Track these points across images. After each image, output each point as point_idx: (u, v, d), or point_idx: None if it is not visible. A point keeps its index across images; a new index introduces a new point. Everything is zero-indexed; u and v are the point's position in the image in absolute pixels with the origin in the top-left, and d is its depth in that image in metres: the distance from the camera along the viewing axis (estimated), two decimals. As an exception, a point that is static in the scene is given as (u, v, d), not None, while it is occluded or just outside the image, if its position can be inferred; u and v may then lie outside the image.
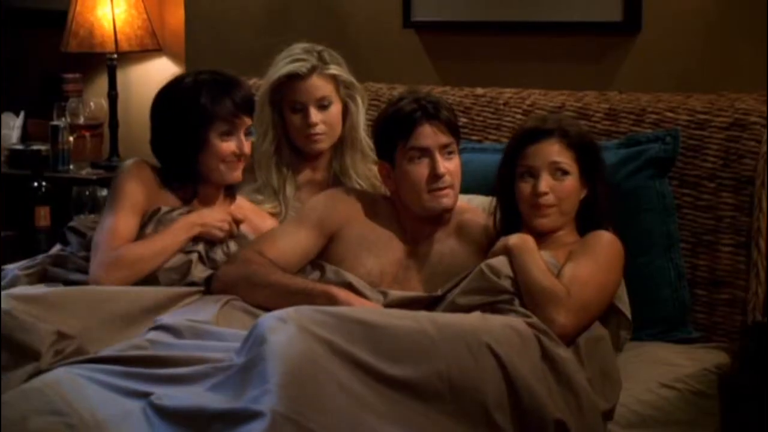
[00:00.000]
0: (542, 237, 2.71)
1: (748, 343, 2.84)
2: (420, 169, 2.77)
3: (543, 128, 2.74)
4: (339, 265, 2.82)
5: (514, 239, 2.63)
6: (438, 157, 2.76)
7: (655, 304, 2.94)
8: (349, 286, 2.74)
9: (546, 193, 2.69)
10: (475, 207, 2.98)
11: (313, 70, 3.01)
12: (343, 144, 3.08)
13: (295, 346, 2.21)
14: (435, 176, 2.76)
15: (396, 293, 2.74)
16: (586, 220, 2.75)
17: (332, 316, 2.31)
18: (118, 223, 2.80)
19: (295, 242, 2.84)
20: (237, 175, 2.89)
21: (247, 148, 2.88)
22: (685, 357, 2.82)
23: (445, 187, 2.78)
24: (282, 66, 3.02)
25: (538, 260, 2.58)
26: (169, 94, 2.89)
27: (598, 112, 3.13)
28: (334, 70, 3.03)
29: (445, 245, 2.81)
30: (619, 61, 3.47)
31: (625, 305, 2.80)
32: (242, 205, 2.99)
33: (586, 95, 3.20)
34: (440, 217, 2.84)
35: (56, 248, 2.97)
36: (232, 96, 2.84)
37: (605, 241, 2.67)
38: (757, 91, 3.07)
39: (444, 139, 2.77)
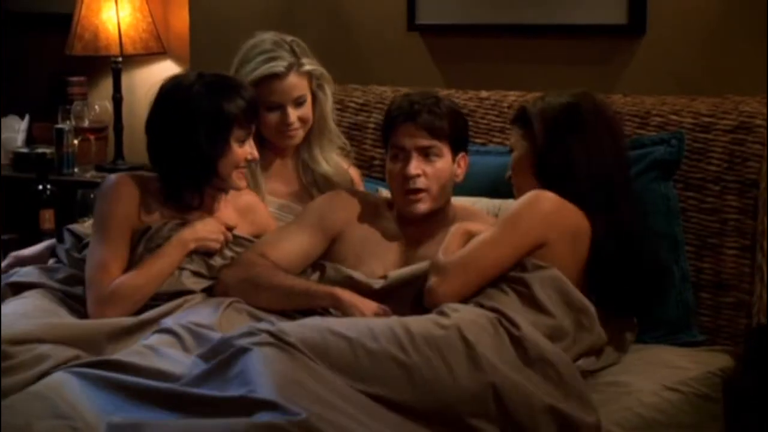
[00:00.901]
0: None
1: (753, 346, 2.84)
2: (396, 168, 2.80)
3: (513, 116, 2.85)
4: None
5: (452, 227, 2.71)
6: (413, 157, 2.77)
7: (659, 306, 2.93)
8: (350, 279, 2.75)
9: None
10: (479, 209, 2.98)
11: (290, 68, 2.98)
12: (311, 133, 3.07)
13: (276, 355, 2.24)
14: (404, 176, 2.77)
15: (396, 272, 2.75)
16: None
17: (304, 326, 2.34)
18: (107, 255, 2.74)
19: (297, 244, 2.85)
20: (244, 182, 2.86)
21: (257, 153, 2.85)
22: (689, 360, 2.81)
23: (417, 190, 2.78)
24: (257, 64, 2.97)
25: (447, 241, 2.66)
26: (180, 104, 2.79)
27: (602, 115, 3.12)
28: (308, 65, 3.01)
29: (447, 247, 2.81)
30: (623, 63, 3.47)
31: (630, 307, 2.80)
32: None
33: (591, 98, 3.20)
34: (436, 219, 2.84)
35: (49, 242, 2.99)
36: (247, 99, 2.80)
37: (519, 200, 2.68)
38: (762, 94, 3.06)
39: (424, 141, 2.77)
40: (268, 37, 3.03)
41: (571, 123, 2.72)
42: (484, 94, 3.36)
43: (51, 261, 2.94)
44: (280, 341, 2.27)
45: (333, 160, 3.09)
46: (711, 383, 2.74)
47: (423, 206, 2.80)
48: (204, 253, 2.81)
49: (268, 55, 2.98)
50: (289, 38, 3.03)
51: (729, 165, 2.97)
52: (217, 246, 2.82)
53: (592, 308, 2.62)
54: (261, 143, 3.02)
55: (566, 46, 3.55)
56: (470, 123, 3.21)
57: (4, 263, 2.97)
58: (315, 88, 3.04)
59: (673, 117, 3.06)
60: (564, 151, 2.69)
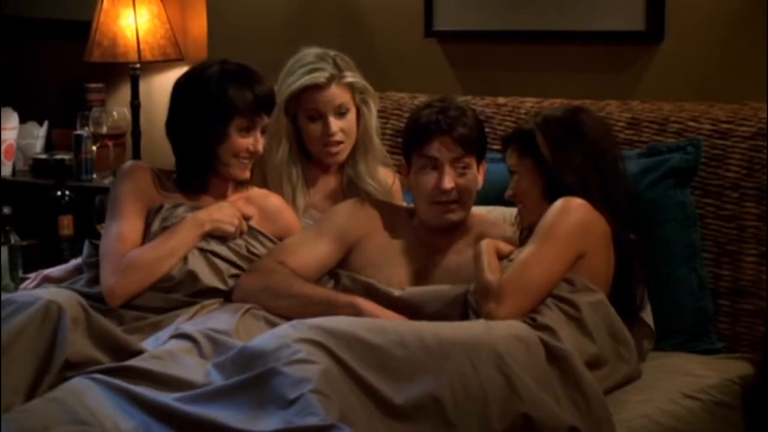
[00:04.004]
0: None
1: (772, 353, 2.83)
2: (428, 180, 2.79)
3: (506, 137, 2.83)
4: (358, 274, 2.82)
5: (481, 243, 2.68)
6: (447, 170, 2.77)
7: (677, 314, 2.93)
8: (366, 287, 2.76)
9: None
10: (495, 218, 2.97)
11: (332, 79, 2.99)
12: (356, 149, 3.08)
13: (312, 363, 2.22)
14: (440, 190, 2.77)
15: (415, 289, 2.75)
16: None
17: (334, 334, 2.30)
18: (123, 228, 2.79)
19: (315, 252, 2.85)
20: (246, 173, 2.88)
21: (261, 146, 2.87)
22: (708, 367, 2.80)
23: (450, 202, 2.78)
24: (299, 76, 3.00)
25: (486, 259, 2.61)
26: (193, 81, 2.86)
27: (620, 122, 3.11)
28: (350, 77, 3.02)
29: (465, 256, 2.80)
30: (641, 70, 3.46)
31: (648, 315, 2.79)
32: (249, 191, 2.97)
33: (608, 104, 3.19)
34: (456, 228, 2.84)
35: (72, 262, 3.00)
36: (256, 92, 2.82)
37: (550, 212, 2.63)
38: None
39: (456, 153, 2.77)
40: (311, 51, 3.05)
41: (573, 134, 2.71)
42: (501, 100, 3.36)
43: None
44: (316, 352, 2.25)
45: (378, 176, 3.09)
46: (730, 391, 2.73)
47: (455, 216, 2.81)
48: (219, 238, 2.82)
49: (310, 67, 3.00)
50: (332, 52, 3.04)
51: (748, 172, 2.96)
52: (231, 230, 2.83)
53: (632, 340, 2.61)
54: (307, 159, 3.07)
55: (584, 53, 3.55)
56: (487, 129, 3.21)
57: (32, 284, 2.98)
58: (359, 102, 3.05)
59: (692, 123, 3.05)
60: (572, 164, 2.68)
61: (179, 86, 2.90)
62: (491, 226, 2.88)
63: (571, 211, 2.62)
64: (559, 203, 2.63)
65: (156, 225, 2.81)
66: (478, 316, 2.58)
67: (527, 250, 2.59)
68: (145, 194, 2.85)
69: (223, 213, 2.83)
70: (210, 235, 2.82)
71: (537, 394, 2.31)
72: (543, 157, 2.70)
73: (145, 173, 2.88)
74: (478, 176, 2.83)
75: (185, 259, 2.78)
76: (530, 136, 2.73)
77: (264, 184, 3.03)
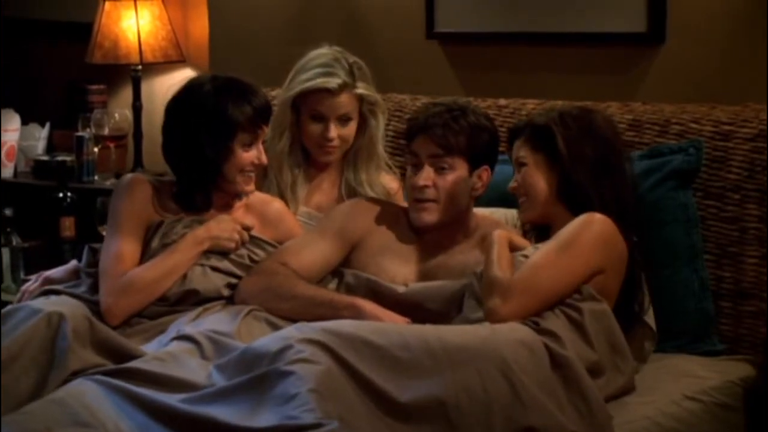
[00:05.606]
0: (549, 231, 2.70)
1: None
2: (410, 176, 2.82)
3: (514, 128, 2.82)
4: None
5: (495, 233, 2.66)
6: (425, 168, 2.78)
7: (679, 315, 2.93)
8: (369, 282, 2.76)
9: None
10: (498, 219, 2.97)
11: (343, 87, 2.99)
12: (357, 156, 3.08)
13: (314, 364, 2.22)
14: (413, 186, 2.79)
15: (418, 285, 2.75)
16: (576, 208, 2.68)
17: (338, 335, 2.30)
18: (122, 246, 2.77)
19: (317, 253, 2.85)
20: (251, 186, 2.87)
21: (264, 158, 2.86)
22: (709, 369, 2.81)
23: (424, 200, 2.78)
24: (313, 75, 3.00)
25: (497, 251, 2.60)
26: (188, 102, 2.83)
27: (621, 123, 3.11)
28: (362, 89, 3.01)
29: (469, 256, 2.81)
30: (643, 71, 3.46)
31: (649, 317, 2.79)
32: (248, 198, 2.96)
33: (610, 106, 3.19)
34: (456, 228, 2.84)
35: (72, 263, 2.99)
36: (254, 105, 2.82)
37: (574, 223, 2.62)
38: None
39: (434, 152, 2.77)
40: (330, 51, 3.04)
41: (587, 132, 2.71)
42: (502, 102, 3.36)
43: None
44: (319, 353, 2.25)
45: (379, 184, 3.09)
46: (731, 392, 2.73)
47: (429, 217, 2.80)
48: (220, 253, 2.81)
49: (326, 70, 3.00)
50: (352, 59, 3.04)
51: (749, 173, 2.96)
52: (231, 245, 2.82)
53: (629, 352, 2.61)
54: (306, 156, 3.08)
55: (586, 54, 3.55)
56: (489, 131, 3.21)
57: (33, 285, 2.98)
58: (366, 112, 3.05)
59: (693, 125, 3.05)
60: (585, 162, 2.67)
61: (173, 109, 2.86)
62: (497, 226, 2.87)
63: (594, 225, 2.61)
64: (583, 217, 2.62)
65: (156, 242, 2.80)
66: (477, 301, 2.58)
67: (543, 253, 2.58)
68: (144, 210, 2.83)
69: (221, 228, 2.82)
70: (210, 250, 2.81)
71: (541, 401, 2.31)
72: (558, 152, 2.69)
73: (144, 187, 2.85)
74: (470, 180, 2.81)
75: (184, 276, 2.78)
76: (546, 130, 2.72)
77: (263, 171, 3.02)
